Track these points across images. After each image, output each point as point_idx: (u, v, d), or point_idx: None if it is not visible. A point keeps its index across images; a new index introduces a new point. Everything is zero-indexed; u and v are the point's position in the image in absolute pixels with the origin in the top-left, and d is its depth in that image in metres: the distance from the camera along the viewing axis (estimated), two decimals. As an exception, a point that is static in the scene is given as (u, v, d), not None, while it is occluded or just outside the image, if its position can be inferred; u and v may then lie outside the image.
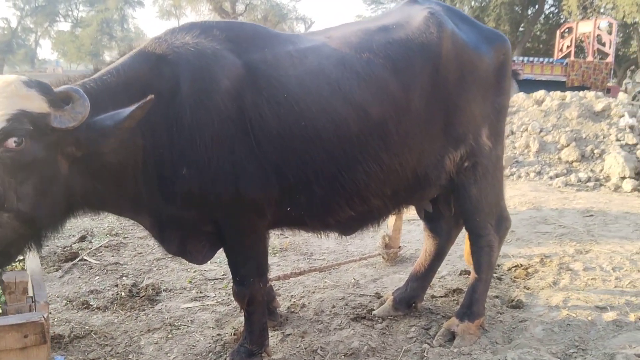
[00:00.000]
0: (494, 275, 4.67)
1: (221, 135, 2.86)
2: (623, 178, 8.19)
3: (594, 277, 4.57)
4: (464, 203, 3.62)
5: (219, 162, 2.87)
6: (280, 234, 6.17)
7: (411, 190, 3.47)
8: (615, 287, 4.37)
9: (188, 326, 4.09)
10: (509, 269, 4.85)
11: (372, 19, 3.75)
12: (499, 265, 4.91)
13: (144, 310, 4.40)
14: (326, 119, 3.01)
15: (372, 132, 3.13)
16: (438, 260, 4.15)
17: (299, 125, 2.96)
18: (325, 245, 5.90)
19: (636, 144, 8.79)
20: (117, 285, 4.88)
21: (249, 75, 2.95)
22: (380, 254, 5.26)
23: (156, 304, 4.51)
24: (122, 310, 4.39)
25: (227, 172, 2.91)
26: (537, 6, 31.65)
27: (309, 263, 5.35)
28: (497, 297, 4.28)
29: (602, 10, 27.97)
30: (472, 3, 30.63)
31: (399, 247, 5.26)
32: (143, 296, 4.61)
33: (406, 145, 3.27)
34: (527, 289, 4.42)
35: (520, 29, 32.25)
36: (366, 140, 3.13)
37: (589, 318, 3.84)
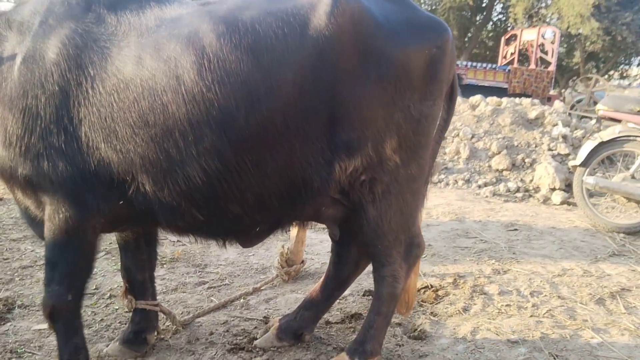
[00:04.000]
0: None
1: (34, 112, 2.66)
2: (553, 189, 7.87)
3: (509, 303, 4.10)
4: (361, 225, 2.96)
5: (31, 136, 2.67)
6: (177, 241, 5.52)
7: (288, 199, 2.82)
8: (532, 315, 3.92)
9: (33, 353, 3.40)
10: (418, 291, 4.33)
11: None
12: (408, 286, 4.39)
13: (-13, 331, 3.67)
14: (154, 102, 2.58)
15: (209, 122, 2.55)
16: (339, 290, 3.56)
17: (123, 106, 2.61)
18: (225, 255, 5.26)
19: (568, 154, 8.51)
20: (-35, 298, 4.12)
21: (83, 47, 2.69)
22: (278, 275, 4.62)
23: (4, 324, 3.78)
24: (-40, 331, 3.65)
25: (36, 154, 2.66)
26: (485, 13, 31.82)
27: (200, 277, 4.70)
28: (399, 324, 3.75)
29: (547, 19, 28.27)
30: (422, 6, 30.50)
31: (302, 261, 4.67)
32: (-10, 313, 3.88)
33: (264, 141, 2.63)
34: (434, 316, 3.91)
35: (469, 35, 32.34)
36: (201, 131, 2.57)
37: (498, 355, 3.36)
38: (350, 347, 3.17)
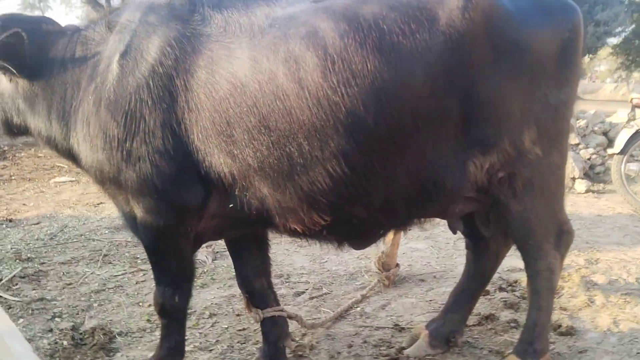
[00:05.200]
0: (517, 295, 4.08)
1: (137, 115, 2.58)
2: (573, 179, 8.03)
3: (626, 292, 4.10)
4: (506, 222, 2.86)
5: (133, 139, 2.59)
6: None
7: (416, 201, 2.73)
8: (657, 302, 3.93)
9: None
10: (529, 287, 4.26)
11: None
12: (516, 282, 4.32)
13: (100, 364, 3.33)
14: (274, 107, 2.46)
15: (335, 125, 2.44)
16: (483, 286, 3.44)
17: (240, 111, 2.49)
18: (299, 264, 5.03)
19: (578, 144, 8.71)
20: (51, 330, 3.72)
21: (191, 50, 2.58)
22: (379, 281, 4.42)
23: (113, 354, 3.44)
24: (69, 366, 3.30)
25: (139, 157, 2.59)
26: None
27: (292, 288, 4.46)
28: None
29: None
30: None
31: (397, 264, 4.50)
32: (93, 345, 3.51)
33: (393, 143, 2.54)
34: (565, 310, 3.84)
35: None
36: (326, 135, 2.45)
37: (656, 343, 3.33)
38: (519, 349, 3.03)
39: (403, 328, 3.65)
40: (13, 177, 9.73)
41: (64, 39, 2.95)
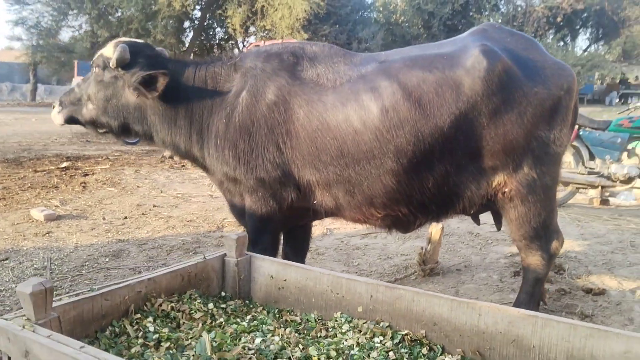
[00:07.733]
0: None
1: (255, 135, 3.75)
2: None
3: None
4: (507, 224, 3.95)
5: (252, 152, 3.76)
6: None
7: (443, 204, 3.85)
8: None
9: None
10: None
11: (437, 44, 3.99)
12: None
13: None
14: (347, 139, 3.63)
15: (388, 153, 3.60)
16: None
17: (325, 141, 3.66)
18: (338, 268, 5.66)
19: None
20: None
21: (294, 93, 3.74)
22: (415, 272, 5.46)
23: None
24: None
25: (256, 165, 3.76)
26: (197, 23, 31.94)
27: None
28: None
29: (264, 31, 29.81)
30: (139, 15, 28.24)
31: (437, 261, 5.50)
32: None
33: (427, 166, 3.63)
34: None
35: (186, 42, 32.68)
36: (381, 159, 3.62)
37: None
38: None
39: (492, 306, 4.66)
40: None
41: (190, 70, 4.04)
